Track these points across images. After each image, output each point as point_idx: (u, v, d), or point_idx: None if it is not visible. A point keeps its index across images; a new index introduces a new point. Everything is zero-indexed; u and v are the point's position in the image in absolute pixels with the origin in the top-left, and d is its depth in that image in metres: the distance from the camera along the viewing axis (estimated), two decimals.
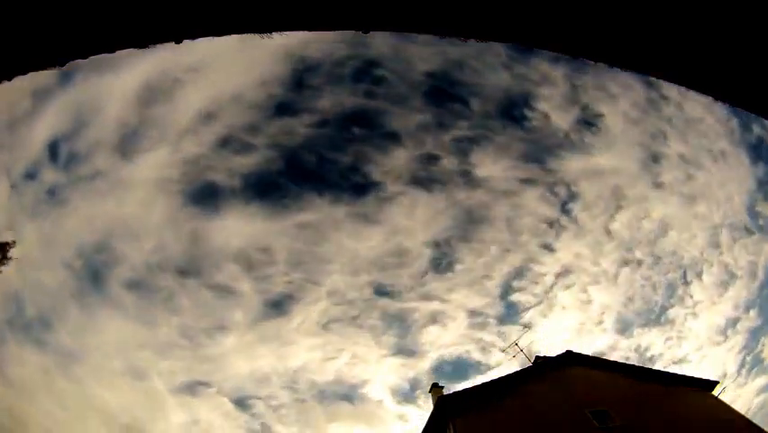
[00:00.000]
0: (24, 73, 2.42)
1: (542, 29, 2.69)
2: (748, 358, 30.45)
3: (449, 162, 32.88)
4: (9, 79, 2.38)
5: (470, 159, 32.64)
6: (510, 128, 32.64)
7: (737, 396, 28.36)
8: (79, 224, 28.54)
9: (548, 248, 32.71)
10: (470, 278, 33.48)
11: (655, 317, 32.75)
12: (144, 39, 2.54)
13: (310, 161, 31.95)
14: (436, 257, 33.62)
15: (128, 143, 28.84)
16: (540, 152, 32.77)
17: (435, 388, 14.98)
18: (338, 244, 33.05)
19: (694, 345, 30.77)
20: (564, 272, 32.89)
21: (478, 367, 32.12)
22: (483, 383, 12.93)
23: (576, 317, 32.63)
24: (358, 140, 32.20)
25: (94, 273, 28.92)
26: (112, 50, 2.55)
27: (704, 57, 2.53)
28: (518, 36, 2.79)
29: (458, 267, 33.92)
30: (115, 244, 29.30)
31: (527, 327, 16.38)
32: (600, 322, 32.63)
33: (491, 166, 32.91)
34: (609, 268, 32.73)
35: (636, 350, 31.62)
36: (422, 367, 32.51)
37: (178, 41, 2.60)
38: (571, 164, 32.65)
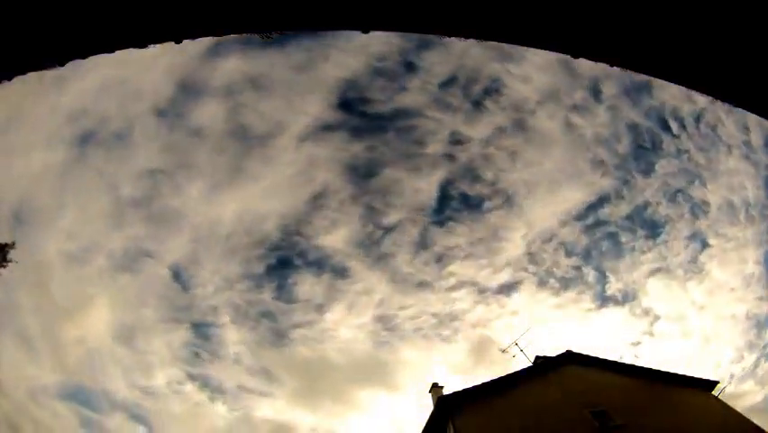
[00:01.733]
0: (24, 73, 2.43)
1: (542, 29, 2.69)
2: None
3: None
4: (9, 79, 2.39)
5: None
6: None
7: None
8: None
9: None
10: None
11: None
12: (144, 39, 2.55)
13: None
14: None
15: None
16: None
17: (435, 388, 14.97)
18: None
19: None
20: None
21: None
22: (483, 383, 12.93)
23: None
24: None
25: None
26: (112, 50, 2.56)
27: (704, 57, 2.53)
28: (518, 36, 2.79)
29: None
30: None
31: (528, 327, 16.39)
32: None
33: None
34: None
35: None
36: None
37: (178, 42, 2.61)
38: None
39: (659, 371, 13.75)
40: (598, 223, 29.98)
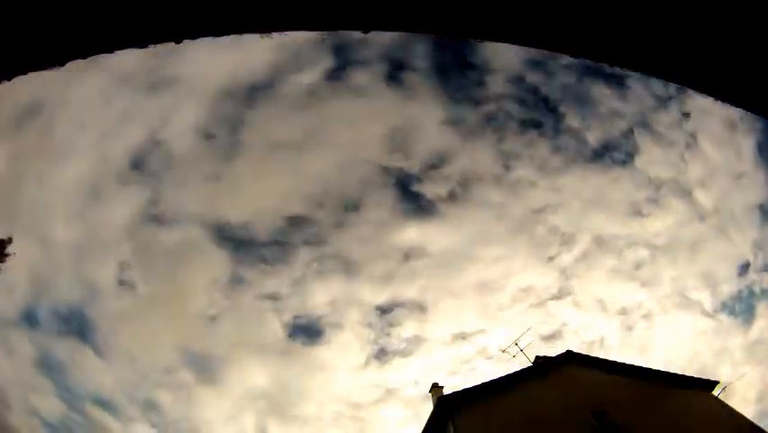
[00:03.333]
0: (24, 73, 2.43)
1: (542, 29, 2.69)
2: None
3: None
4: (9, 79, 2.39)
5: None
6: None
7: None
8: None
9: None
10: None
11: None
12: (144, 39, 2.55)
13: None
14: None
15: None
16: None
17: (435, 388, 14.97)
18: None
19: None
20: None
21: None
22: (483, 383, 12.95)
23: None
24: None
25: None
26: (112, 50, 2.56)
27: (704, 56, 2.53)
28: (518, 36, 2.79)
29: None
30: None
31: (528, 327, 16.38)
32: None
33: None
34: None
35: None
36: None
37: (178, 42, 2.60)
38: None
39: (659, 371, 13.77)
40: None
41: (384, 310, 31.67)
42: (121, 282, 29.35)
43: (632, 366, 13.73)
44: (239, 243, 33.45)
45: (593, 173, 32.25)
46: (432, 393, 15.02)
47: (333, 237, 32.37)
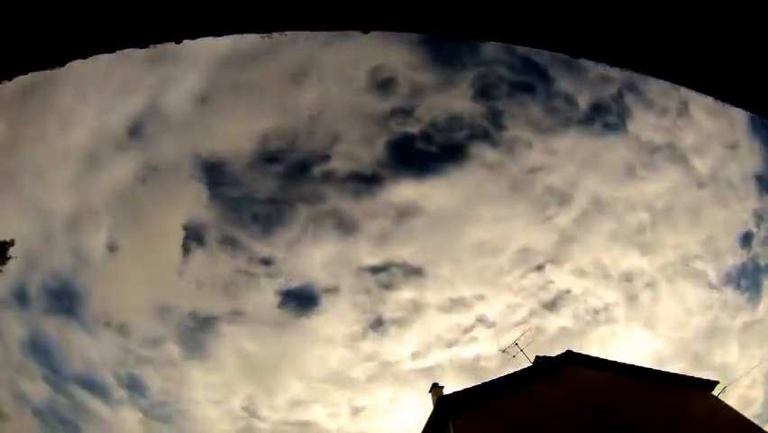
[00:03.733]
0: (24, 73, 2.42)
1: (542, 28, 2.69)
2: None
3: None
4: (9, 79, 2.38)
5: None
6: None
7: None
8: None
9: None
10: None
11: None
12: (144, 39, 2.55)
13: None
14: None
15: None
16: None
17: (435, 388, 14.98)
18: None
19: None
20: None
21: None
22: (483, 383, 12.96)
23: None
24: None
25: None
26: (112, 50, 2.56)
27: (704, 56, 2.53)
28: (518, 36, 2.79)
29: None
30: None
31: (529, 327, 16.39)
32: None
33: None
34: None
35: None
36: None
37: (178, 42, 2.60)
38: None
39: (659, 371, 13.79)
40: None
41: (379, 271, 30.89)
42: (110, 248, 28.74)
43: (632, 366, 13.74)
44: (232, 200, 32.37)
45: (587, 136, 32.13)
46: (432, 393, 15.02)
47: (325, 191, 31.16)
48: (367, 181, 31.22)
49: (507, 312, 29.32)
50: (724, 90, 2.68)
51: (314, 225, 30.59)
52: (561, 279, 30.22)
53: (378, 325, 31.54)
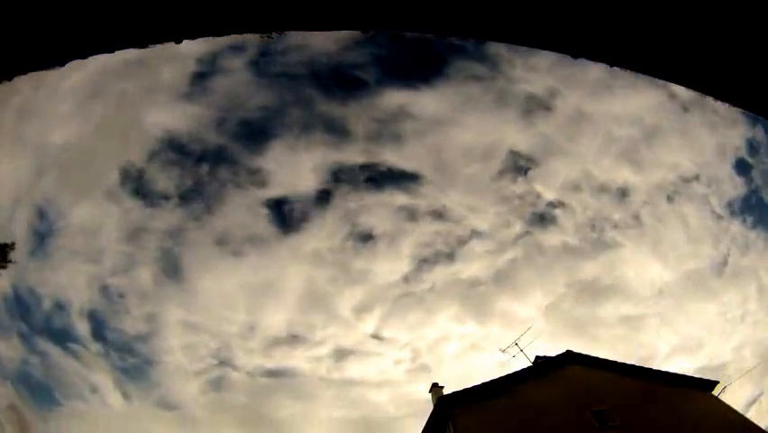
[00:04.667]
0: (24, 73, 2.43)
1: (542, 29, 2.69)
2: None
3: None
4: (9, 79, 2.39)
5: None
6: None
7: None
8: None
9: None
10: None
11: None
12: (144, 39, 2.55)
13: None
14: None
15: None
16: None
17: (435, 388, 14.99)
18: None
19: None
20: None
21: None
22: (483, 383, 12.95)
23: None
24: None
25: None
26: (112, 50, 2.56)
27: (705, 57, 2.53)
28: (518, 36, 2.79)
29: None
30: None
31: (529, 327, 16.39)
32: None
33: None
34: None
35: None
36: None
37: (178, 41, 2.60)
38: None
39: (659, 371, 13.80)
40: None
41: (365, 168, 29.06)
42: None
43: (632, 366, 13.74)
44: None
45: (565, 57, 30.80)
46: (432, 393, 15.04)
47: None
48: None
49: (497, 226, 27.95)
50: (724, 90, 2.68)
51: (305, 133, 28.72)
52: (552, 191, 28.31)
53: (367, 238, 30.22)
